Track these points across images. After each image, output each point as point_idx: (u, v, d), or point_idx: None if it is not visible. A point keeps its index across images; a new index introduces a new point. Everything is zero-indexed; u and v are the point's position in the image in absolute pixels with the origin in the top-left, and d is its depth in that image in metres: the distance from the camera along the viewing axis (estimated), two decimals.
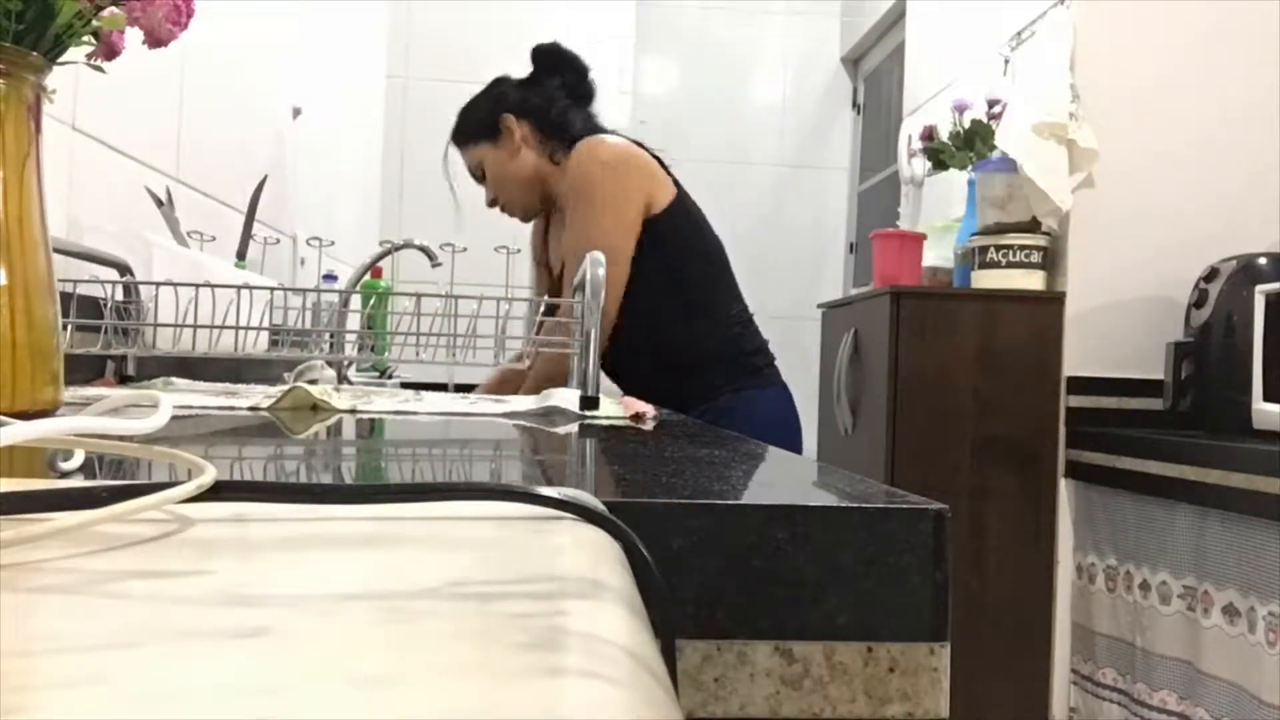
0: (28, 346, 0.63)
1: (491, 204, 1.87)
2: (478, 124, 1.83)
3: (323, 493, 0.34)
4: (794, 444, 1.80)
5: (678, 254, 1.71)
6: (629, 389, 1.84)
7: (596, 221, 1.66)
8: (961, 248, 2.42)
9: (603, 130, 1.81)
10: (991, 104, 2.43)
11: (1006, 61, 2.61)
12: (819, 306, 2.88)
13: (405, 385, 1.88)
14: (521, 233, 1.97)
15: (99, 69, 0.71)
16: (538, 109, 1.81)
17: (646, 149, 1.77)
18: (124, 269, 1.30)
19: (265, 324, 1.16)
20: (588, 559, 0.28)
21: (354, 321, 1.85)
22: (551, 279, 1.94)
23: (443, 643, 0.20)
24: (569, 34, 3.92)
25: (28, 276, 0.63)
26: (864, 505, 0.40)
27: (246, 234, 1.87)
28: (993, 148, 2.36)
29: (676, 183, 1.76)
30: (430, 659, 0.19)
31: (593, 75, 1.88)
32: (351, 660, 0.19)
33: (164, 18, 0.68)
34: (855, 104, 4.47)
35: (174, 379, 1.25)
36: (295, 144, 2.46)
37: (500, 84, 1.87)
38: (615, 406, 1.01)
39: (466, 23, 4.01)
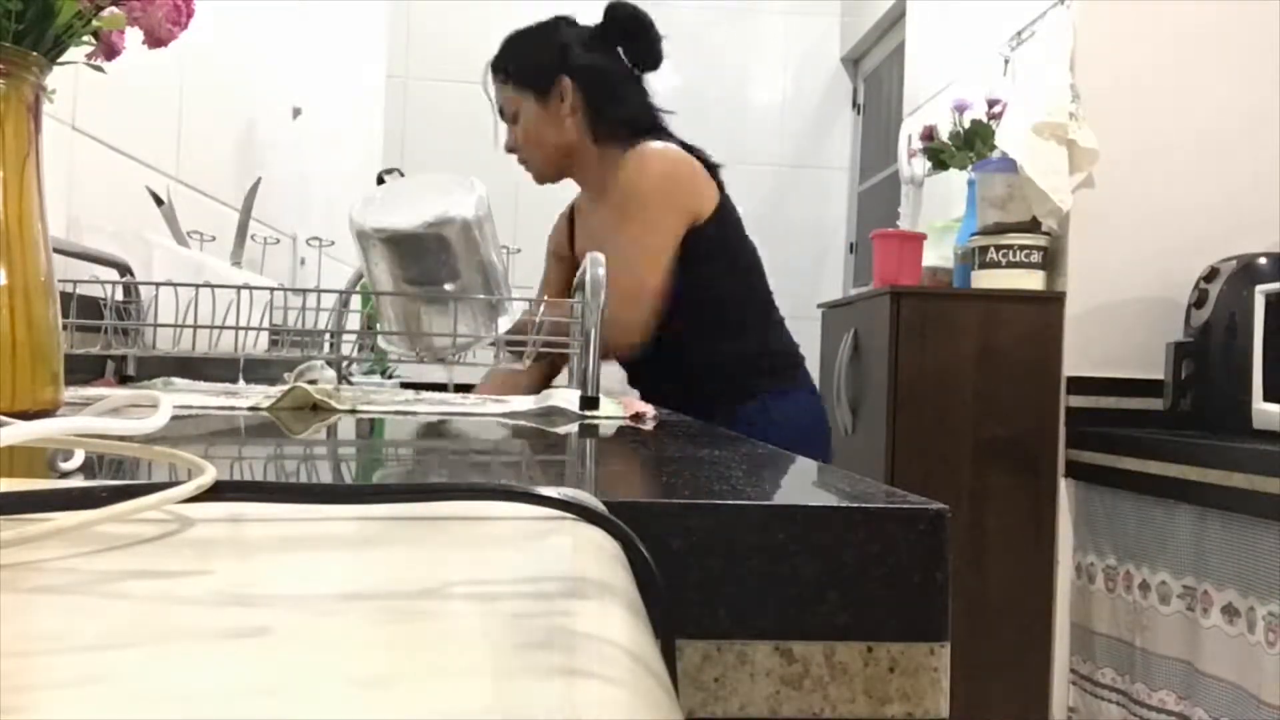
0: (28, 346, 0.63)
1: (511, 150, 1.75)
2: (531, 70, 1.68)
3: (322, 493, 0.34)
4: (819, 450, 1.72)
5: (715, 265, 1.64)
6: (647, 398, 1.79)
7: (640, 244, 1.59)
8: (961, 248, 2.42)
9: (655, 119, 1.72)
10: (991, 104, 2.43)
11: (1006, 61, 2.61)
12: (819, 306, 2.88)
13: (405, 385, 1.88)
14: (519, 232, 1.96)
15: (99, 69, 0.71)
16: (597, 80, 1.68)
17: (695, 151, 1.69)
18: (124, 269, 1.30)
19: (265, 324, 1.16)
20: (588, 559, 0.28)
21: (354, 321, 1.85)
22: (570, 273, 1.82)
23: (443, 643, 0.20)
24: None
25: (28, 276, 0.63)
26: (864, 505, 0.40)
27: (242, 237, 1.87)
28: (993, 148, 2.36)
29: (721, 185, 1.69)
30: (430, 659, 0.19)
31: (664, 44, 1.74)
32: (351, 660, 0.19)
33: (164, 18, 0.68)
34: (855, 104, 4.47)
35: (174, 379, 1.25)
36: (295, 144, 2.46)
37: (562, 30, 1.71)
38: (615, 406, 1.01)
39: (466, 22, 4.01)
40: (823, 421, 1.79)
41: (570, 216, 1.89)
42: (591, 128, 1.69)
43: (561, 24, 1.72)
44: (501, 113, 1.75)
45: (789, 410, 1.69)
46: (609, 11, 1.71)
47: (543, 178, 1.79)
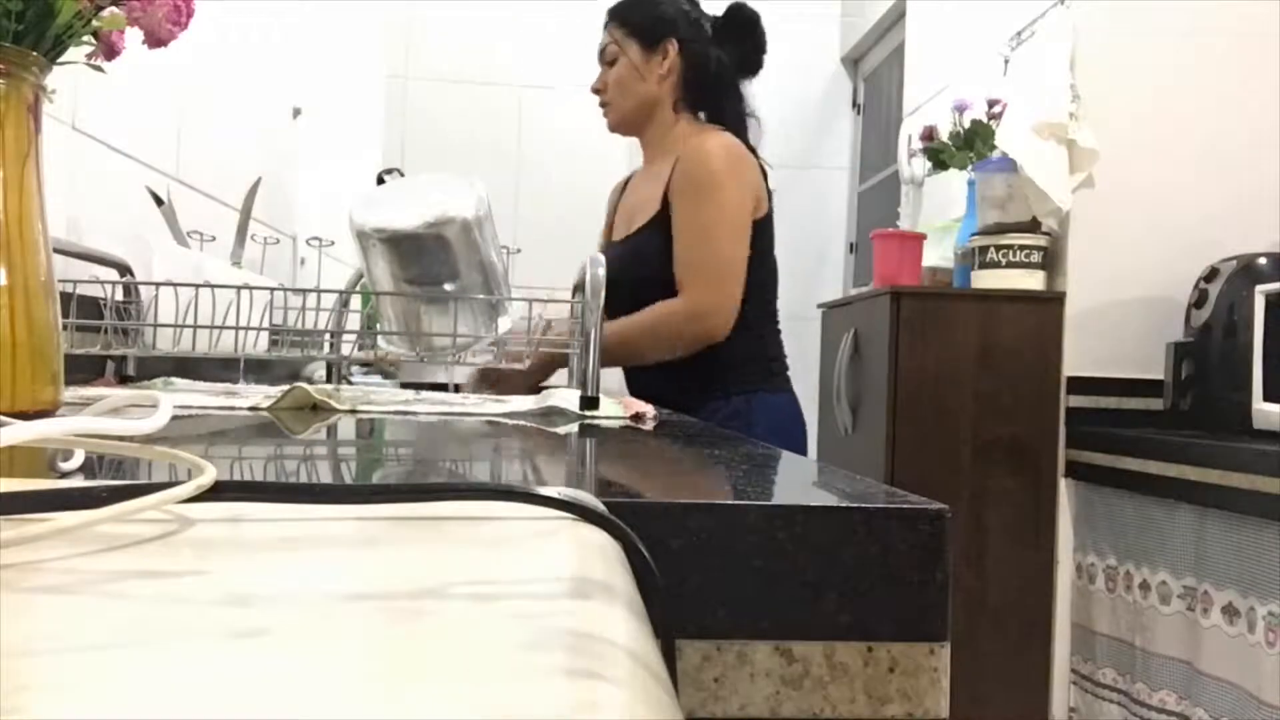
0: (28, 346, 0.63)
1: (596, 91, 1.81)
2: (643, 19, 1.75)
3: (322, 493, 0.34)
4: (798, 449, 1.81)
5: (751, 265, 1.68)
6: (636, 382, 1.82)
7: (719, 222, 1.63)
8: (961, 248, 2.42)
9: (741, 120, 1.77)
10: (991, 104, 2.43)
11: (1006, 61, 2.61)
12: (819, 306, 2.88)
13: (405, 385, 1.88)
14: (519, 232, 1.96)
15: (99, 69, 0.71)
16: (701, 58, 1.75)
17: (755, 152, 1.74)
18: (124, 269, 1.30)
19: (265, 324, 1.16)
20: (588, 559, 0.28)
21: (354, 321, 1.85)
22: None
23: (443, 643, 0.20)
24: (569, 33, 3.93)
25: (28, 276, 0.63)
26: (864, 505, 0.40)
27: (242, 237, 1.87)
28: (993, 148, 2.35)
29: (770, 192, 1.76)
30: (430, 659, 0.19)
31: (766, 55, 1.80)
32: (351, 660, 0.19)
33: (164, 18, 0.68)
34: (855, 104, 4.47)
35: (173, 379, 1.25)
36: (295, 144, 2.46)
37: (691, 5, 1.79)
38: (615, 406, 1.01)
39: (466, 23, 4.01)
40: (802, 424, 1.84)
41: (620, 193, 1.94)
42: (677, 99, 1.76)
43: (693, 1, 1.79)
44: (601, 54, 1.80)
45: (774, 410, 1.75)
46: (730, 10, 1.79)
47: (618, 126, 1.83)
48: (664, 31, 1.74)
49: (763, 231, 1.71)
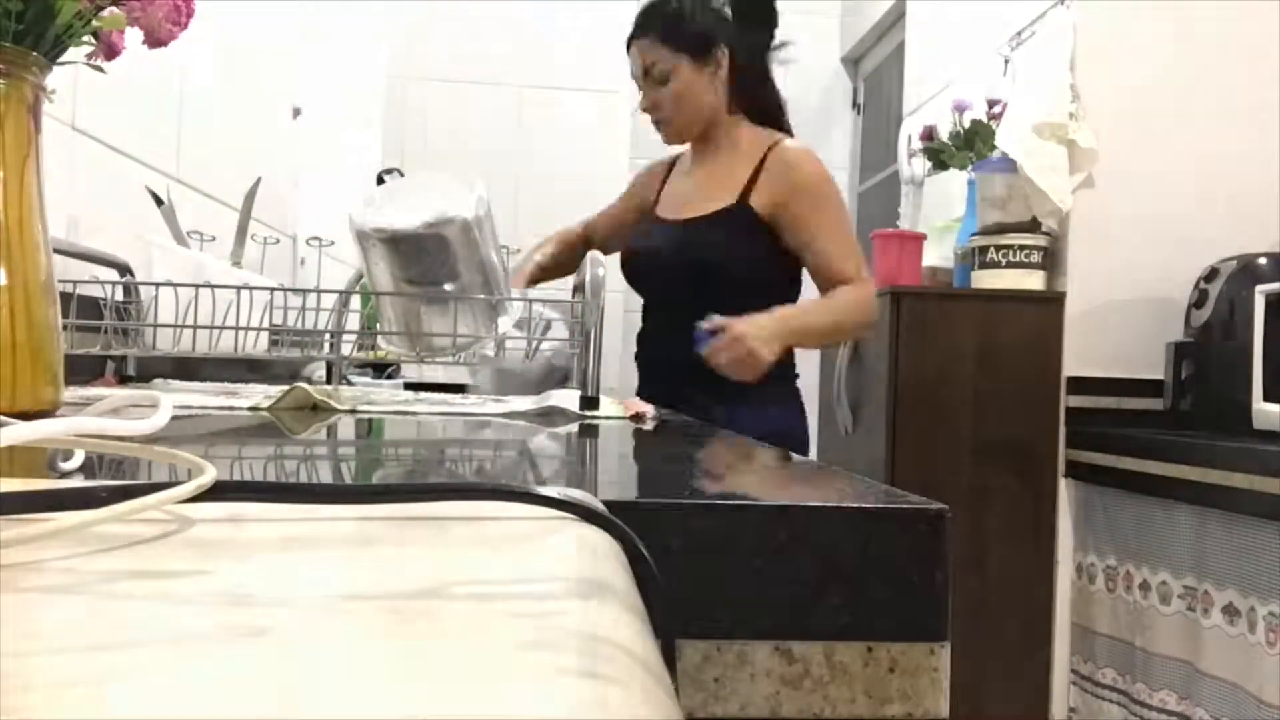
0: (28, 346, 0.63)
1: (649, 109, 1.81)
2: (691, 34, 1.75)
3: (323, 493, 0.34)
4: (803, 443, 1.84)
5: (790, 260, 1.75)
6: (654, 376, 1.79)
7: (846, 230, 1.75)
8: (961, 248, 2.42)
9: (781, 104, 1.87)
10: (991, 104, 2.43)
11: (1006, 61, 2.61)
12: None
13: (408, 386, 1.88)
14: (519, 232, 1.96)
15: (99, 69, 0.71)
16: (746, 55, 1.78)
17: None
18: (124, 269, 1.30)
19: (265, 324, 1.16)
20: (588, 559, 0.28)
21: (354, 321, 1.84)
22: (629, 218, 1.94)
23: (443, 643, 0.20)
24: (569, 33, 3.93)
25: (28, 276, 0.63)
26: (864, 505, 0.40)
27: (242, 237, 1.86)
28: (993, 148, 2.35)
29: None
30: (430, 659, 0.19)
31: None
32: (351, 660, 0.19)
33: (164, 18, 0.68)
34: (855, 104, 4.46)
35: (171, 380, 1.25)
36: (295, 144, 2.46)
37: (715, 6, 1.78)
38: (615, 406, 1.01)
39: (466, 22, 4.01)
40: (806, 430, 1.86)
41: (665, 173, 1.94)
42: (729, 98, 1.78)
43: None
44: (646, 73, 1.78)
45: (789, 417, 1.76)
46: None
47: (681, 137, 1.84)
48: (712, 41, 1.75)
49: None
